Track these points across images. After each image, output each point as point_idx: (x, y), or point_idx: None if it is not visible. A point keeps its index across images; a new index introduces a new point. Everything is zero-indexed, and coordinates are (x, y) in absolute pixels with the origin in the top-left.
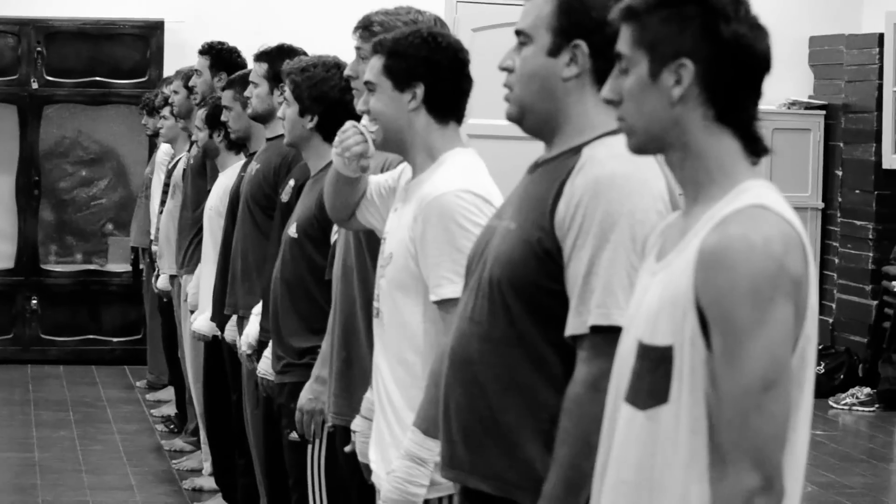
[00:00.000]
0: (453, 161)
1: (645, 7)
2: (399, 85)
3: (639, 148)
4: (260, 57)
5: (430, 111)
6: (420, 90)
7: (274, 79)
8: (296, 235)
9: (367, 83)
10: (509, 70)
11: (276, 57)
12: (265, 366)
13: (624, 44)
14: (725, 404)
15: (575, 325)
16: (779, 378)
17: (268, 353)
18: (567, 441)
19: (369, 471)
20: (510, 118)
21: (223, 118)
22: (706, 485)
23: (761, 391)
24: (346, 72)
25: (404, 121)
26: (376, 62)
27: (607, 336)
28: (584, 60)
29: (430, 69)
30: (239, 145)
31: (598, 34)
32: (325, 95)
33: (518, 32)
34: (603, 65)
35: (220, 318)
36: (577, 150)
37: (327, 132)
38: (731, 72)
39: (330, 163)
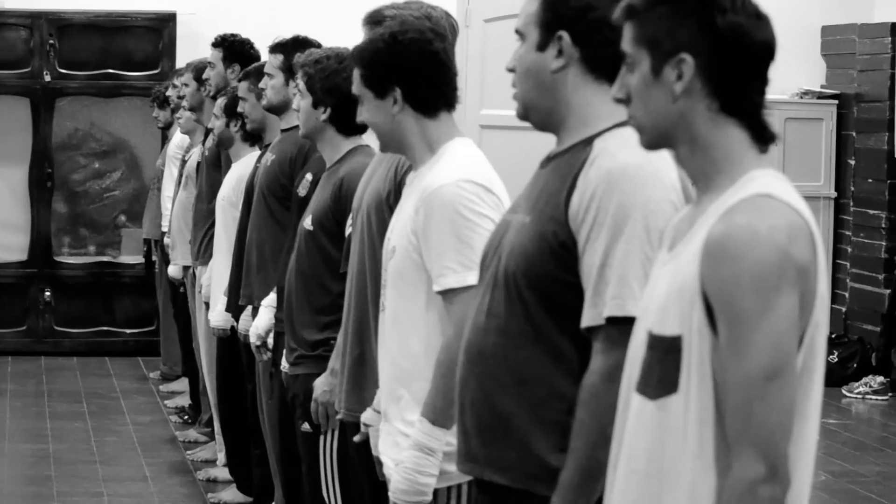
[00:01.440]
0: (452, 152)
1: (644, 4)
2: (378, 93)
3: (650, 145)
4: (275, 48)
5: (415, 109)
6: (398, 93)
7: (289, 70)
8: (311, 228)
9: (356, 96)
10: (513, 70)
11: (291, 48)
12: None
13: (627, 42)
14: (730, 393)
15: (590, 316)
16: (783, 367)
17: None
18: (583, 432)
19: (381, 464)
20: (518, 116)
21: (239, 109)
22: (714, 474)
23: (765, 380)
24: None
25: (394, 124)
26: (356, 74)
27: (622, 327)
28: (569, 50)
29: (400, 71)
30: (254, 137)
31: (580, 22)
32: (338, 87)
33: (516, 32)
34: (591, 52)
35: (235, 308)
36: (588, 142)
37: (341, 124)
38: (730, 63)
39: (346, 154)
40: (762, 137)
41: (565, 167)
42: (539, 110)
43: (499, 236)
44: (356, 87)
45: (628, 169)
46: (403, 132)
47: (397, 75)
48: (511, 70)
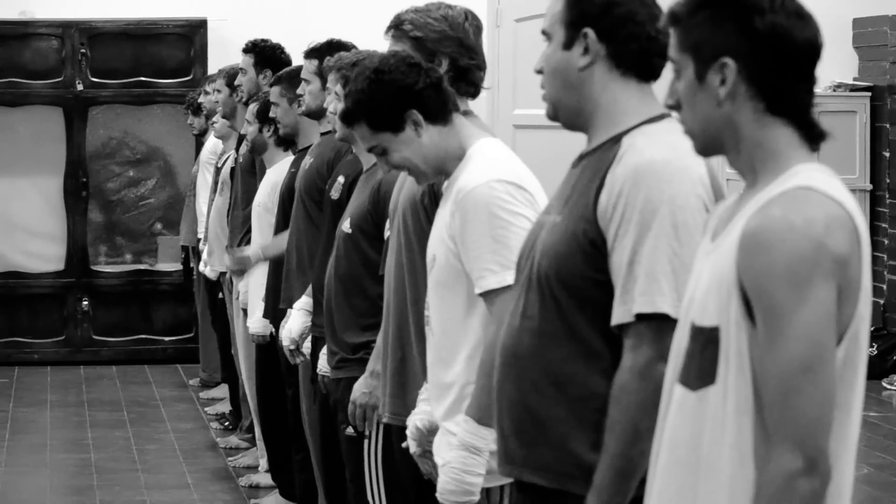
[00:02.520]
0: (480, 153)
1: (686, 11)
2: (394, 129)
3: (702, 151)
4: (310, 54)
5: (433, 123)
6: (414, 116)
7: (324, 74)
8: (350, 231)
9: (374, 148)
10: (541, 72)
11: (326, 53)
12: (323, 362)
13: (673, 49)
14: (767, 386)
15: (620, 313)
16: (819, 360)
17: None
18: (615, 430)
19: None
20: (548, 117)
21: (272, 114)
22: (752, 466)
23: (800, 373)
24: None
25: (423, 150)
26: (362, 131)
27: (652, 324)
28: (595, 47)
29: (409, 97)
30: (287, 142)
31: (605, 18)
32: None
33: (543, 33)
34: (616, 48)
35: (273, 314)
36: (616, 140)
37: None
38: (773, 63)
39: None
40: (811, 136)
41: (595, 165)
42: (568, 109)
43: (533, 237)
44: (369, 140)
45: (655, 165)
46: (434, 151)
47: (407, 99)
48: (539, 71)
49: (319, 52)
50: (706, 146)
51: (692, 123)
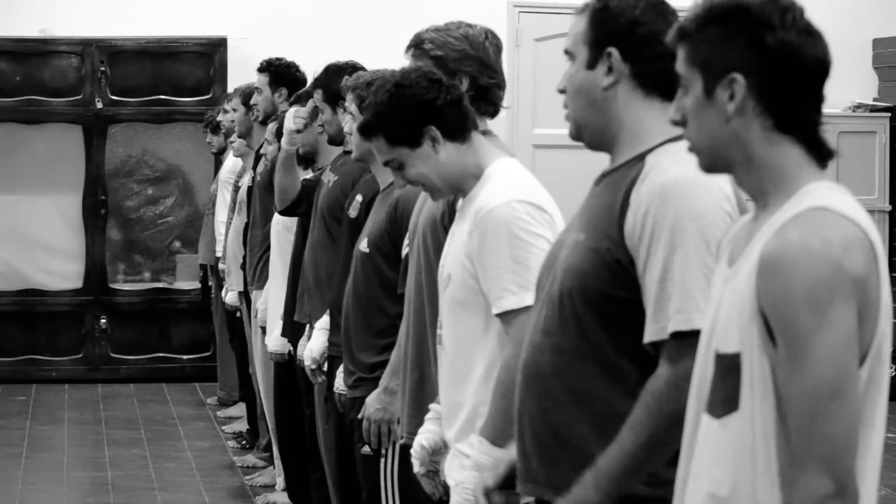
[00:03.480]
0: (499, 172)
1: (695, 26)
2: (412, 144)
3: (708, 167)
4: (314, 85)
5: (451, 140)
6: (432, 132)
7: (330, 99)
8: (367, 250)
9: (390, 162)
10: (564, 91)
11: (326, 79)
12: (340, 382)
13: (681, 64)
14: (793, 411)
15: (653, 331)
16: (844, 382)
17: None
18: (636, 430)
19: (446, 487)
20: (571, 137)
21: None
22: (780, 491)
23: (827, 397)
24: None
25: (440, 166)
26: (379, 144)
27: (689, 340)
28: (619, 66)
29: (428, 112)
30: (307, 160)
31: (629, 38)
32: None
33: (565, 52)
34: (640, 67)
35: (291, 332)
36: (640, 158)
37: None
38: (782, 81)
39: None
40: (820, 154)
41: (617, 184)
42: (591, 129)
43: (554, 255)
44: (385, 154)
45: (681, 182)
46: (451, 168)
47: (425, 114)
48: (562, 91)
49: (319, 82)
50: (712, 163)
51: (698, 139)
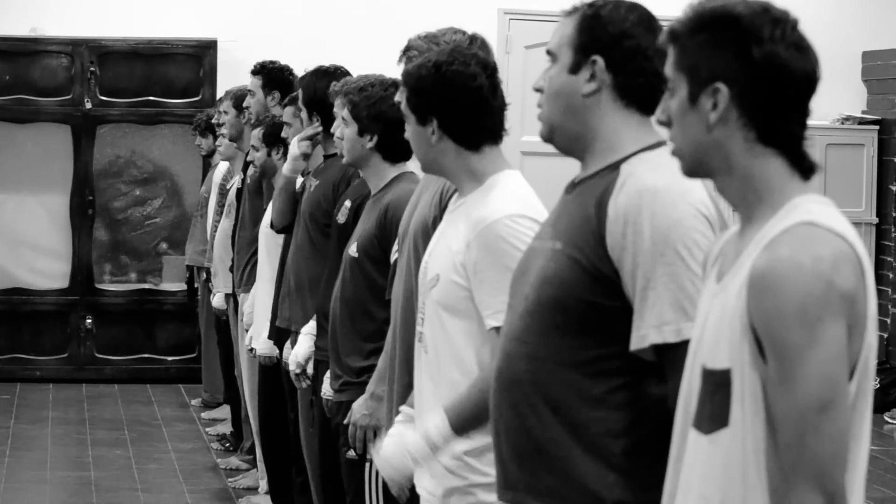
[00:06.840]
0: (504, 184)
1: (685, 30)
2: (420, 119)
3: (689, 172)
4: (299, 85)
5: (454, 141)
6: (435, 124)
7: (313, 103)
8: (356, 255)
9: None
10: (541, 90)
11: (316, 83)
12: (327, 387)
13: (668, 66)
14: (783, 427)
15: (636, 340)
16: (834, 398)
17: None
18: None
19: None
20: (542, 137)
21: (283, 134)
22: None
23: (817, 412)
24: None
25: (434, 151)
26: (401, 96)
27: (679, 351)
28: (602, 75)
29: (438, 103)
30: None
31: (616, 49)
32: (384, 114)
33: (547, 52)
34: (623, 79)
35: (277, 335)
36: (614, 167)
37: (387, 151)
38: (766, 93)
39: (391, 181)
40: (802, 168)
41: (591, 192)
42: (566, 133)
43: (526, 263)
44: (403, 105)
45: (658, 190)
46: (443, 159)
47: (435, 106)
48: (538, 90)
49: (302, 83)
50: (693, 168)
51: (681, 144)
